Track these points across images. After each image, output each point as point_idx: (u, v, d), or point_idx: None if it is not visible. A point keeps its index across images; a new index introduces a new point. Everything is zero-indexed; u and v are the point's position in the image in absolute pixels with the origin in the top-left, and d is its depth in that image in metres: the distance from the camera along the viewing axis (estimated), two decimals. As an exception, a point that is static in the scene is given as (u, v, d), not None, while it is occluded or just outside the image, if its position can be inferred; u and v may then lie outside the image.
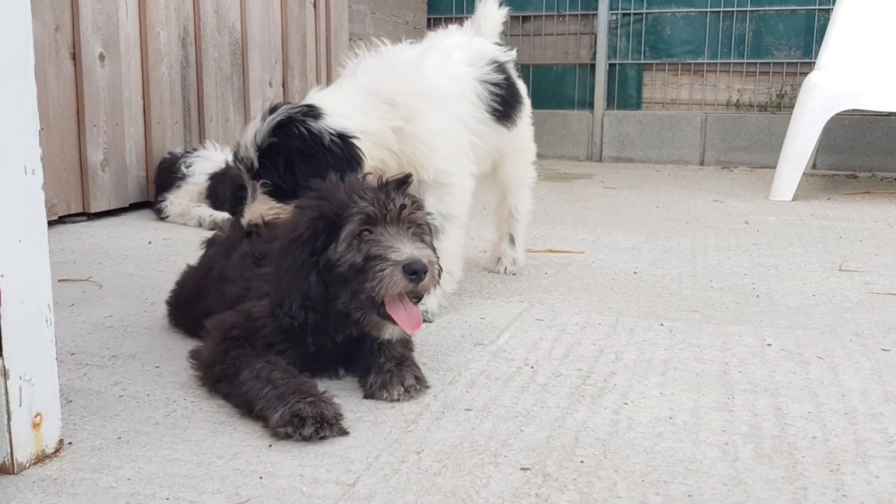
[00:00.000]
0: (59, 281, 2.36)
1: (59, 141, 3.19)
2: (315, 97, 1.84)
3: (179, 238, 3.10)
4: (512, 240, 2.54)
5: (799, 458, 1.27)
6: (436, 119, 1.93)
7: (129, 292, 2.26)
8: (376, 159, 1.86)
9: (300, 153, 1.71)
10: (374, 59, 1.97)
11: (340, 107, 1.81)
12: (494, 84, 2.11)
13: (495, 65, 2.15)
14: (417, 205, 1.48)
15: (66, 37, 3.20)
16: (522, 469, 1.22)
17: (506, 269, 2.53)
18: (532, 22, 6.44)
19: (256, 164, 1.73)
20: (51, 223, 3.17)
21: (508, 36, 6.48)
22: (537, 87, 6.40)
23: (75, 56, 3.25)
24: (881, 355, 1.76)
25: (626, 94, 6.27)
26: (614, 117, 6.22)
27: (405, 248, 1.40)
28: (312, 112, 1.77)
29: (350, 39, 5.36)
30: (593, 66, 6.27)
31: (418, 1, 6.46)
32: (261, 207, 1.75)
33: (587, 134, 6.29)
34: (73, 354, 1.74)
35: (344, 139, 1.76)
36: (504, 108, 2.15)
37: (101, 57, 3.36)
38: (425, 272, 1.39)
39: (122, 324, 1.97)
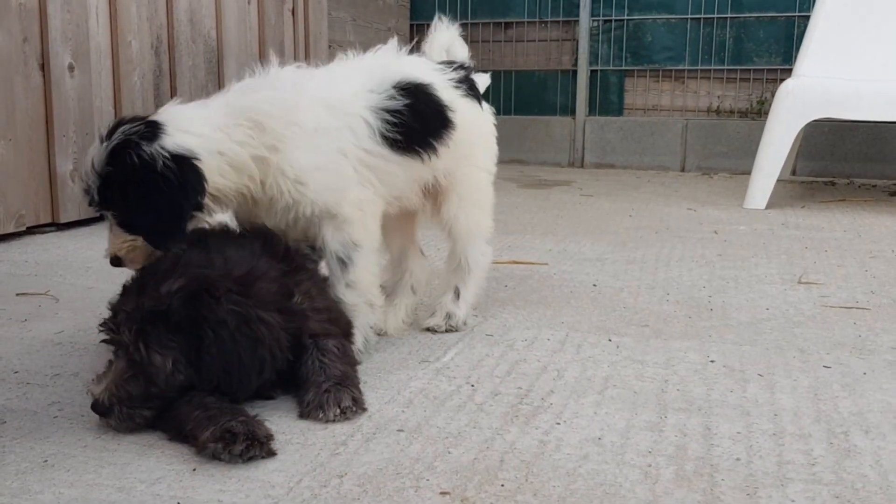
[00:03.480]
0: (17, 295, 2.37)
1: (27, 152, 3.19)
2: (166, 111, 1.65)
3: (146, 249, 3.10)
4: (457, 293, 2.09)
5: (719, 480, 1.28)
6: (307, 154, 1.69)
7: (84, 306, 2.26)
8: (239, 185, 1.66)
9: (133, 183, 1.54)
10: (256, 78, 1.76)
11: (190, 123, 1.61)
12: (393, 112, 1.77)
13: (403, 89, 1.81)
14: (137, 330, 1.43)
15: (34, 48, 3.21)
16: (442, 493, 1.23)
17: (434, 326, 2.06)
18: (514, 28, 6.45)
19: (97, 196, 1.59)
20: (18, 235, 3.18)
21: (491, 42, 6.50)
22: (519, 94, 6.41)
23: (44, 67, 3.25)
24: (821, 373, 1.77)
25: (607, 100, 6.28)
26: (596, 123, 6.24)
27: (97, 388, 1.44)
28: (150, 131, 1.56)
29: (330, 47, 5.37)
30: (575, 73, 6.29)
31: (401, 7, 6.46)
32: (115, 241, 1.62)
33: (569, 140, 6.31)
34: (16, 373, 1.74)
35: (179, 161, 1.55)
36: (408, 135, 1.81)
37: (71, 67, 3.36)
38: (103, 415, 1.43)
39: (71, 340, 1.97)
